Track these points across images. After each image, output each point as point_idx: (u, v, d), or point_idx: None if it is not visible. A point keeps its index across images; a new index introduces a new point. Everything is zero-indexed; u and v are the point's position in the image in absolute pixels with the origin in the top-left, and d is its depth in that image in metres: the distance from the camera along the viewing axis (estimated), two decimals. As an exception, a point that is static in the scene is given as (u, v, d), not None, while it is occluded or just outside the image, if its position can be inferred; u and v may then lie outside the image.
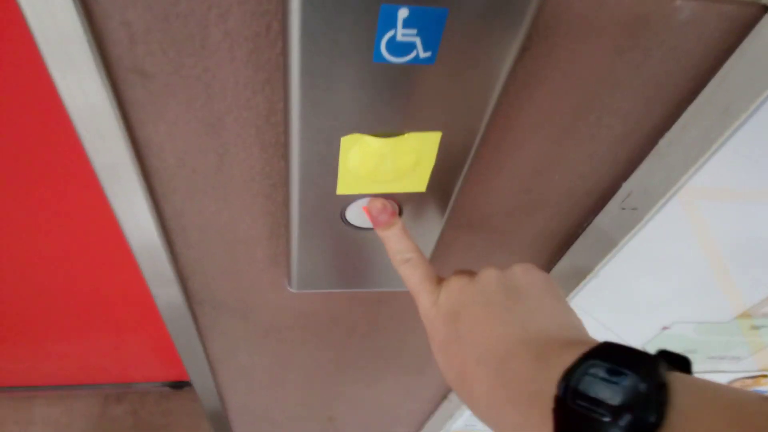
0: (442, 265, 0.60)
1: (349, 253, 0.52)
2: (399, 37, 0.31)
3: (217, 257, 0.55)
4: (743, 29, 0.36)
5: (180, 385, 1.70)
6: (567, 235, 0.56)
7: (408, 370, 0.94)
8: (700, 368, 0.84)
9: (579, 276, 0.57)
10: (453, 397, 1.04)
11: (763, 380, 0.95)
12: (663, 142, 0.44)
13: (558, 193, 0.50)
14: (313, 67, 0.32)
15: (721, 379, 0.91)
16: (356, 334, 0.76)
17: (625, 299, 0.61)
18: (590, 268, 0.56)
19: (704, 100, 0.40)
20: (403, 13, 0.29)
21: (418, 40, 0.31)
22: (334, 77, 0.33)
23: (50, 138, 0.71)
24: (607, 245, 0.52)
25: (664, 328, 0.68)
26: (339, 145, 0.38)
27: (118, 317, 1.30)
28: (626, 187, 0.48)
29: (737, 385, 0.94)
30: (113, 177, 0.42)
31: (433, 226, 0.48)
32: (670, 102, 0.41)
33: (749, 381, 0.94)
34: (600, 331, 0.68)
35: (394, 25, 0.29)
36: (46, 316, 1.27)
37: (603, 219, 0.52)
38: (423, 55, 0.32)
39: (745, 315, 0.67)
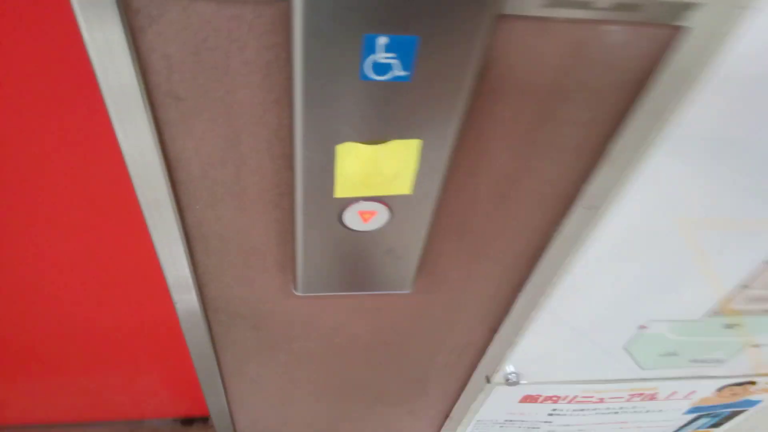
0: (432, 268, 0.66)
1: (347, 256, 0.59)
2: (380, 60, 0.39)
3: (232, 264, 0.62)
4: (665, 47, 0.45)
5: (190, 421, 1.73)
6: (542, 237, 0.63)
7: (410, 387, 0.98)
8: (685, 373, 0.88)
9: (555, 275, 0.64)
10: (455, 415, 1.07)
11: (752, 387, 0.98)
12: (612, 147, 0.51)
13: (530, 198, 0.58)
14: (313, 87, 0.40)
15: (710, 385, 0.95)
16: (358, 345, 0.82)
17: (598, 298, 0.67)
18: (564, 265, 0.62)
19: (642, 109, 0.48)
20: (382, 40, 0.37)
21: (396, 62, 0.39)
22: (330, 94, 0.41)
23: (88, 162, 0.77)
24: (576, 243, 0.59)
25: (642, 327, 0.74)
26: (335, 153, 0.46)
27: (134, 352, 1.35)
28: (588, 188, 0.55)
29: (726, 392, 0.98)
30: (147, 189, 0.49)
31: (420, 227, 0.56)
32: (614, 111, 0.49)
33: (738, 389, 0.98)
34: (576, 338, 0.74)
35: (374, 50, 0.38)
36: (61, 351, 1.32)
37: (571, 219, 0.58)
38: (401, 73, 0.40)
39: (717, 312, 0.72)
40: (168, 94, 0.43)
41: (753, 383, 0.96)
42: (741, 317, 0.74)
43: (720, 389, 0.97)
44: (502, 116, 0.48)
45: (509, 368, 0.83)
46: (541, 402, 0.94)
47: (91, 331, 1.26)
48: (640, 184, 0.51)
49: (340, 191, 0.50)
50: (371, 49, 0.38)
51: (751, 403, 1.05)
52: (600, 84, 0.47)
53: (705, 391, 0.96)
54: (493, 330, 0.80)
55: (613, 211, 0.54)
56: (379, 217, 0.54)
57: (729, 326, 0.76)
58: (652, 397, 0.96)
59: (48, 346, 1.30)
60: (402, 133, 0.45)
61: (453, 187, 0.55)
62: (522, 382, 0.85)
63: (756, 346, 0.82)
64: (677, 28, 0.44)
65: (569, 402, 0.95)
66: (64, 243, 0.88)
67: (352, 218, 0.53)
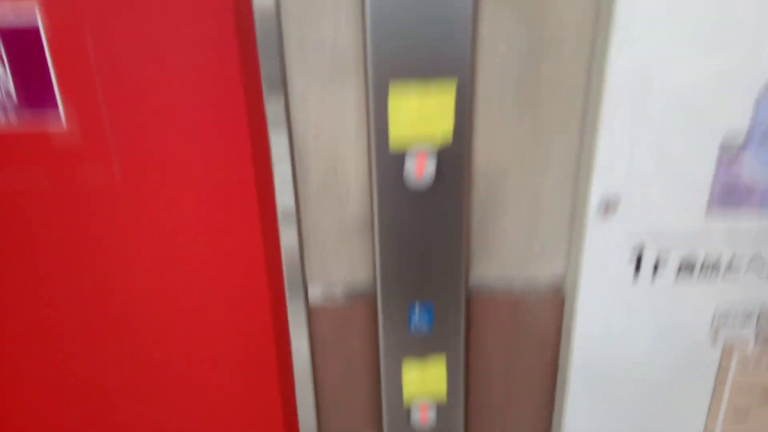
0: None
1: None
2: (416, 318, 0.85)
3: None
4: (559, 300, 0.88)
5: None
6: (547, 410, 0.95)
7: None
8: None
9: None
10: None
11: None
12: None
13: (524, 385, 0.94)
14: (388, 340, 0.86)
15: None
16: None
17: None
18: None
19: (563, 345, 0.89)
20: (417, 307, 0.84)
21: (424, 319, 0.85)
22: (397, 338, 0.86)
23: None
24: (561, 411, 0.92)
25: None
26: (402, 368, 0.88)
27: None
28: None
29: None
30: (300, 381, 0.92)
31: (458, 421, 0.92)
32: (551, 330, 0.90)
33: None
34: None
35: (414, 310, 0.84)
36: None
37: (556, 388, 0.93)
38: (423, 322, 0.85)
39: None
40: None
41: None
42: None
43: None
44: (485, 342, 0.91)
45: None
46: None
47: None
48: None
49: (406, 395, 0.90)
50: (413, 311, 0.85)
51: None
52: (530, 308, 0.89)
53: None
54: None
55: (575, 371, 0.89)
56: (431, 415, 0.92)
57: None
58: None
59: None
60: (435, 352, 0.88)
61: (473, 388, 0.93)
62: None
63: None
64: (559, 291, 0.88)
65: None
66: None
67: (415, 417, 0.92)
